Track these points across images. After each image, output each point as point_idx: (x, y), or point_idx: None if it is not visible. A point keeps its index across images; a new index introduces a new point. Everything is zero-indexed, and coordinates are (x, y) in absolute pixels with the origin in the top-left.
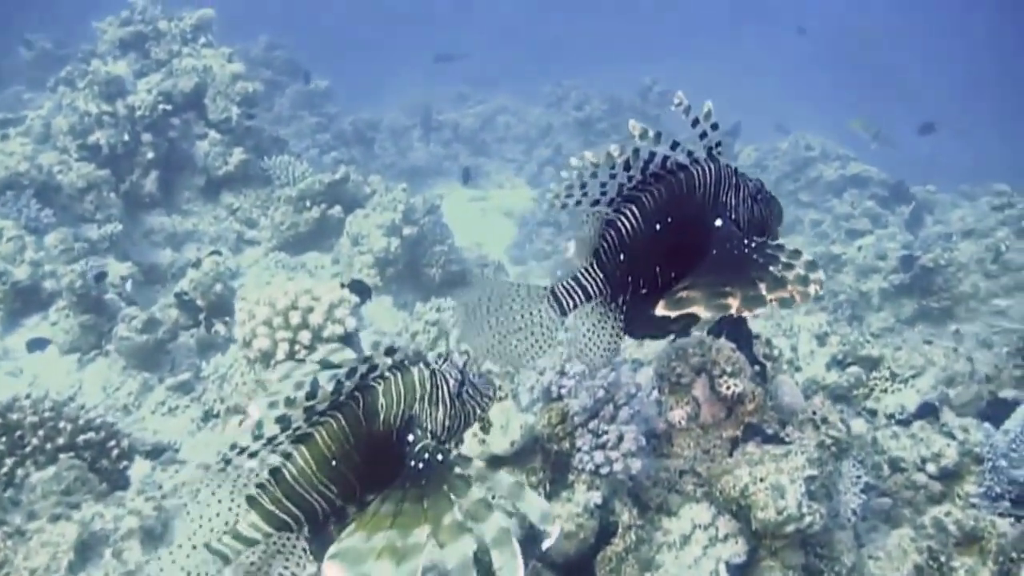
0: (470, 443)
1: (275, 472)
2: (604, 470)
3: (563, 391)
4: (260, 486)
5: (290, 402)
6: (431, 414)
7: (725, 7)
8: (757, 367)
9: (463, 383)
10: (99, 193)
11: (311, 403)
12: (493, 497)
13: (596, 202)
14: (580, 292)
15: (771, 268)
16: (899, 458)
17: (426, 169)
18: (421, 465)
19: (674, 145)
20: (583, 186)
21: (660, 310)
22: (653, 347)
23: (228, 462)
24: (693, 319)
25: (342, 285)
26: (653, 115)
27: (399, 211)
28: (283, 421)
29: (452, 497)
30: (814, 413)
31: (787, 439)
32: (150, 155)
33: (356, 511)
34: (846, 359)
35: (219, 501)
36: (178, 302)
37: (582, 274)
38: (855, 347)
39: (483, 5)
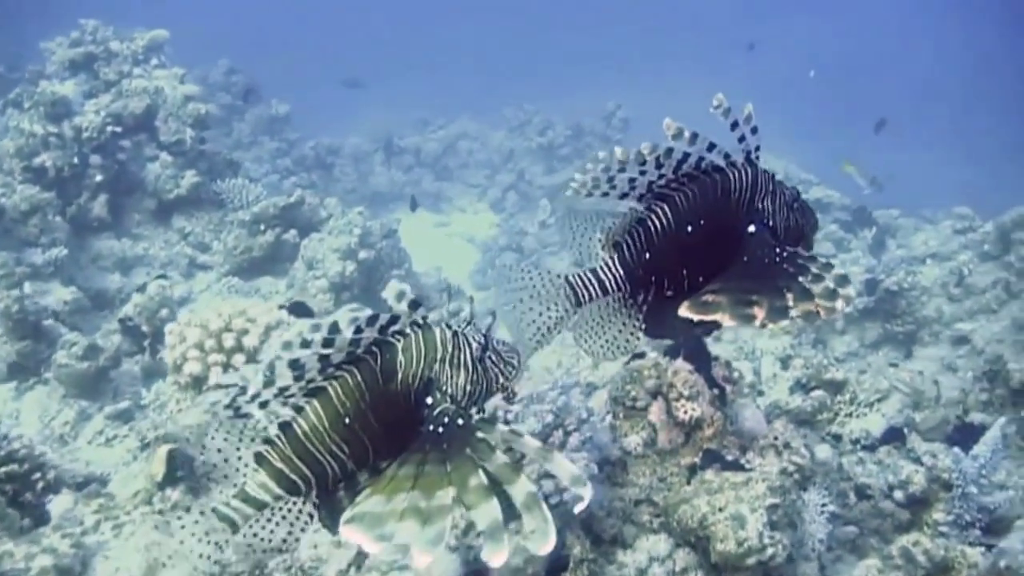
0: None
1: (286, 427)
2: (553, 500)
3: (508, 416)
4: (269, 442)
5: (306, 344)
6: (452, 377)
7: (693, 32)
8: (716, 390)
9: (486, 348)
10: (44, 216)
11: (328, 351)
12: (519, 460)
13: (624, 195)
14: (596, 285)
15: (800, 279)
16: (865, 485)
17: (388, 194)
18: (440, 429)
19: (711, 147)
20: (610, 180)
21: (683, 311)
22: (609, 370)
23: (237, 409)
24: (715, 324)
25: (280, 306)
26: (615, 140)
27: (355, 235)
28: (296, 367)
29: (476, 460)
30: (776, 438)
31: (748, 466)
32: (99, 177)
33: (368, 478)
34: (810, 383)
35: (227, 457)
36: (122, 328)
37: (601, 267)
38: (819, 371)
39: (443, 30)
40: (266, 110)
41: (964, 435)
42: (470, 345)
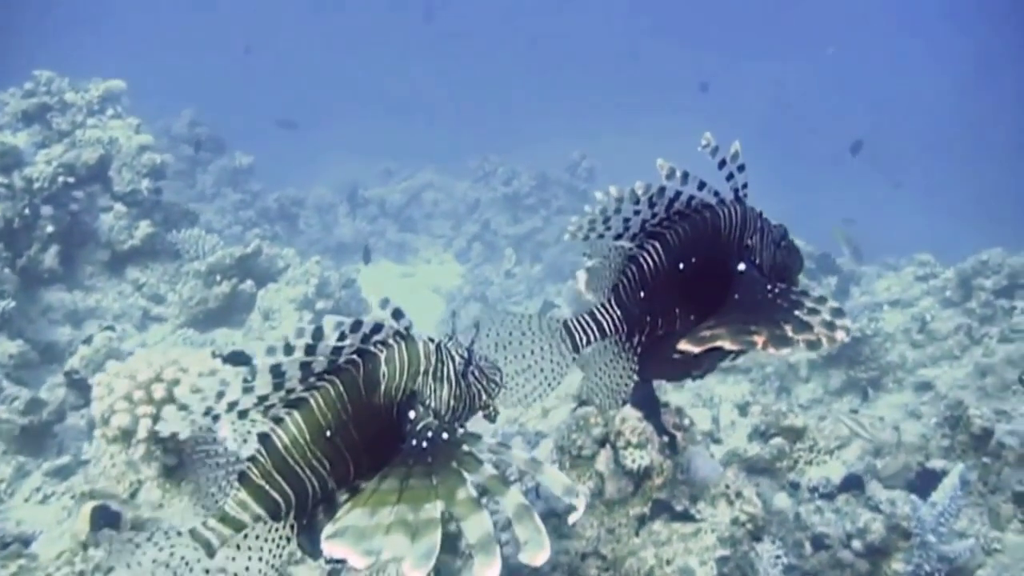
0: None
1: (265, 440)
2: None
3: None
4: (251, 459)
5: (289, 349)
6: (435, 391)
7: (659, 83)
8: (666, 437)
9: (469, 363)
10: None
11: (310, 358)
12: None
13: (618, 236)
14: (595, 328)
15: (797, 313)
16: (823, 534)
17: (352, 245)
18: (424, 443)
19: (701, 185)
20: (606, 220)
21: (683, 346)
22: (557, 417)
23: (216, 418)
24: (712, 362)
25: (215, 355)
26: (581, 190)
27: (312, 284)
28: (277, 374)
29: (464, 473)
30: (727, 487)
31: (698, 516)
32: (50, 228)
33: (346, 497)
34: (769, 430)
35: (209, 475)
36: (67, 381)
37: (599, 310)
38: (778, 417)
39: (407, 83)
40: (229, 162)
41: (926, 482)
42: (453, 359)
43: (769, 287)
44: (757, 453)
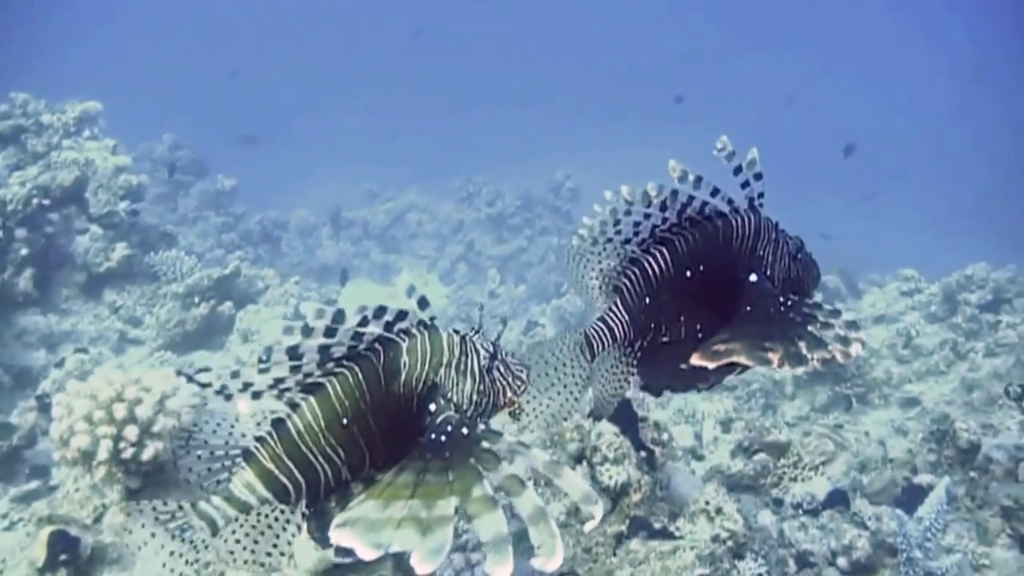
0: None
1: (278, 424)
2: (465, 575)
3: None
4: (260, 439)
5: (308, 331)
6: (457, 384)
7: (638, 99)
8: (644, 453)
9: (495, 357)
10: None
11: (329, 341)
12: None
13: (628, 241)
14: (607, 332)
15: (809, 327)
16: (808, 552)
17: (335, 267)
18: (443, 438)
19: (715, 192)
20: (616, 223)
21: (696, 360)
22: (531, 435)
23: (229, 397)
24: (721, 375)
25: (179, 373)
26: (565, 210)
27: (291, 305)
28: (295, 356)
29: (481, 470)
30: (707, 503)
31: (677, 533)
32: (24, 251)
33: (361, 488)
34: (752, 446)
35: (212, 451)
36: (39, 405)
37: (608, 315)
38: (761, 433)
39: (390, 103)
40: (212, 185)
41: (913, 497)
42: (478, 353)
43: (781, 299)
44: (740, 469)
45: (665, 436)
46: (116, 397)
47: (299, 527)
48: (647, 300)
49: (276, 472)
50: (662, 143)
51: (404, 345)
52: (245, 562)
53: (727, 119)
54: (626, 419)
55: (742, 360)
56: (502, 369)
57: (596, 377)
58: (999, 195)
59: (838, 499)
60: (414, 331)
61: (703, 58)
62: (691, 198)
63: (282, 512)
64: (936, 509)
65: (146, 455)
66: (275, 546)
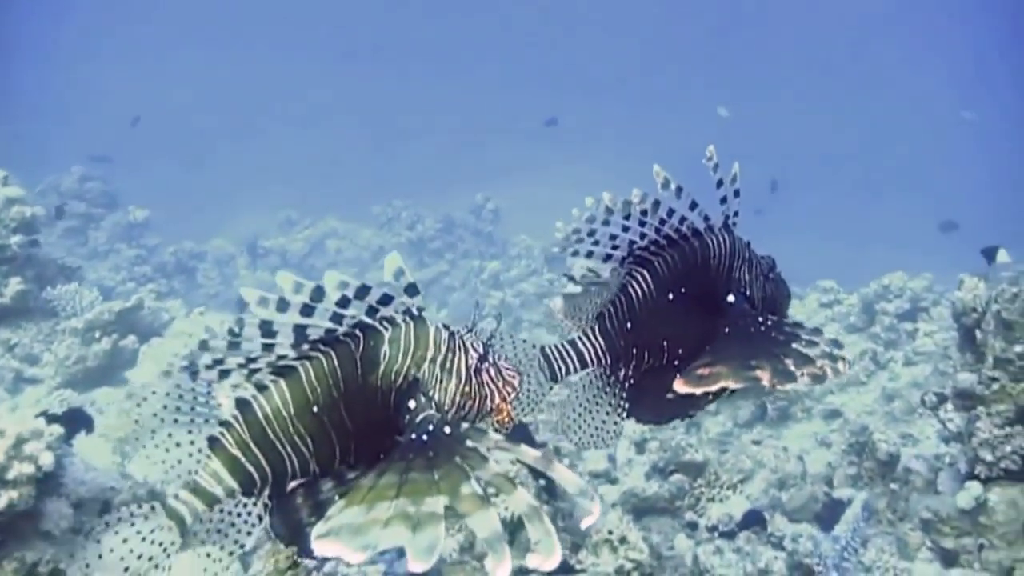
0: None
1: (244, 406)
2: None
3: None
4: (225, 424)
5: (283, 306)
6: (441, 382)
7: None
8: (543, 481)
9: (484, 359)
10: None
11: (306, 321)
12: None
13: (608, 257)
14: (575, 358)
15: (794, 346)
16: None
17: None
18: (425, 437)
19: (693, 205)
20: (591, 232)
21: (680, 387)
22: None
23: (195, 374)
24: (705, 401)
25: (41, 414)
26: (487, 232)
27: (195, 338)
28: (267, 332)
29: (468, 469)
30: (610, 532)
31: (579, 567)
32: None
33: (332, 486)
34: (668, 466)
35: (177, 439)
36: None
37: (581, 339)
38: (677, 452)
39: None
40: (123, 216)
41: (833, 512)
42: (467, 351)
43: (761, 320)
44: (656, 492)
45: (566, 462)
46: None
47: (260, 518)
48: (628, 325)
49: (242, 459)
50: (586, 163)
51: (386, 334)
52: (208, 555)
53: (649, 138)
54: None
55: (730, 383)
56: (492, 372)
57: (579, 410)
58: (911, 204)
59: (754, 520)
60: (399, 320)
61: (563, 124)
62: (671, 212)
63: (243, 505)
64: (853, 527)
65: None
66: (236, 542)
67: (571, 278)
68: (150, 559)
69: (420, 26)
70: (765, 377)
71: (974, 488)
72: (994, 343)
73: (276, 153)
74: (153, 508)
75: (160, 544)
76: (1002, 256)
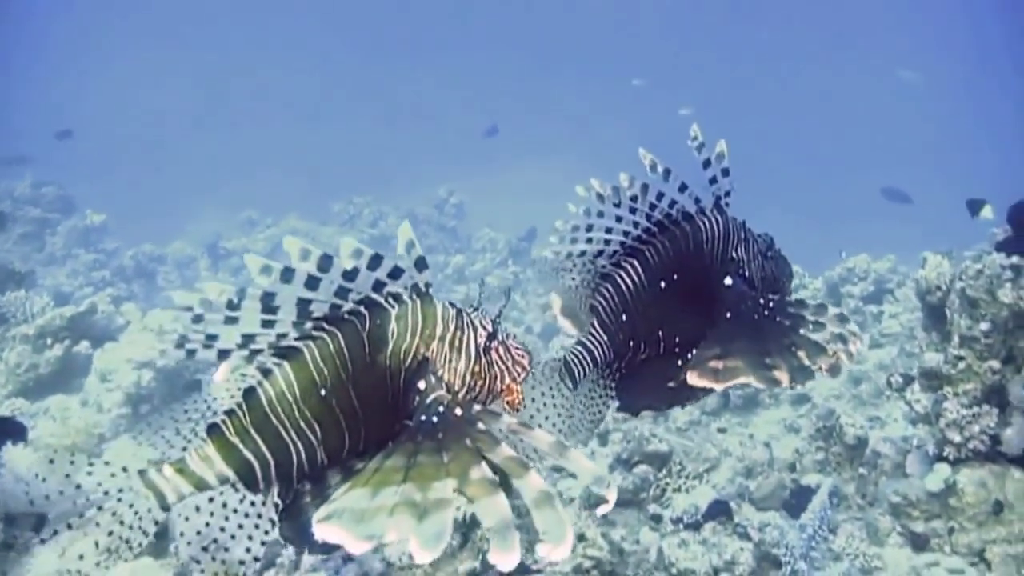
0: None
1: (248, 393)
2: None
3: None
4: (228, 412)
5: (288, 276)
6: (450, 361)
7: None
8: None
9: (493, 337)
10: None
11: (310, 295)
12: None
13: (600, 253)
14: (588, 357)
15: (802, 331)
16: (688, 570)
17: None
18: (435, 419)
19: (683, 188)
20: (589, 228)
21: (695, 380)
22: None
23: (192, 353)
24: (704, 392)
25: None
26: (451, 227)
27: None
28: (268, 308)
29: (479, 451)
30: None
31: (535, 566)
32: None
33: (340, 479)
34: (632, 458)
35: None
36: None
37: (588, 338)
38: (641, 443)
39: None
40: (80, 221)
41: (801, 499)
42: (475, 330)
43: (763, 301)
44: (620, 484)
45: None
46: None
47: (272, 523)
48: (623, 317)
49: (240, 446)
50: (549, 163)
51: (393, 312)
52: (223, 562)
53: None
54: None
55: (751, 381)
56: (501, 351)
57: (578, 407)
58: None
59: (719, 510)
60: (405, 297)
61: (501, 133)
62: (660, 196)
63: (252, 504)
64: (820, 515)
65: None
66: (248, 550)
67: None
68: (122, 523)
69: (380, 19)
70: (784, 378)
71: (943, 470)
72: (959, 321)
73: (235, 153)
74: (125, 470)
75: (135, 511)
76: (987, 212)
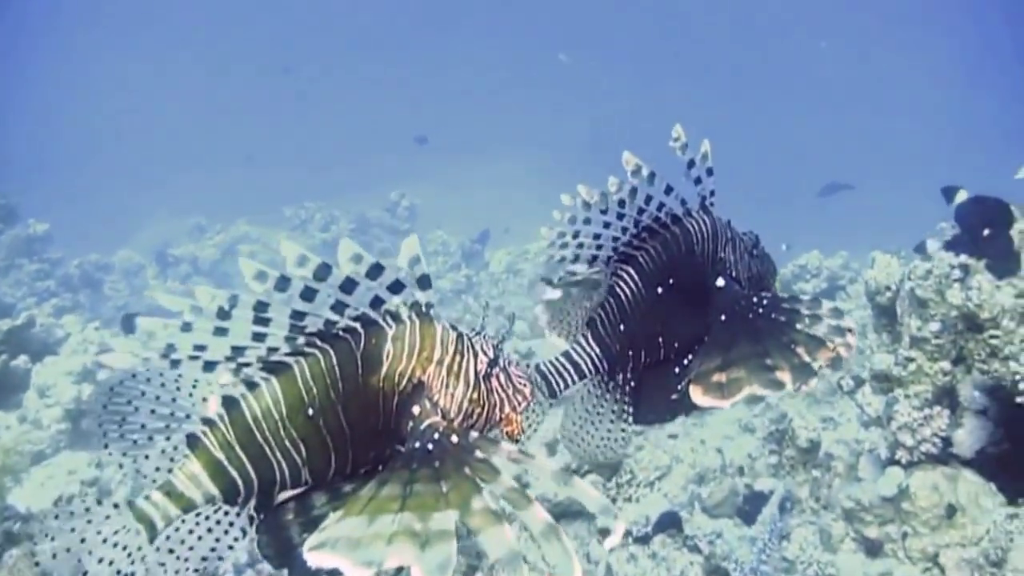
0: None
1: (231, 404)
2: None
3: None
4: (208, 423)
5: (283, 284)
6: (448, 387)
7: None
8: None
9: (495, 364)
10: None
11: (305, 307)
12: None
13: (593, 259)
14: (572, 370)
15: (798, 326)
16: None
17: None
18: (431, 447)
19: (668, 190)
20: (576, 235)
21: (701, 400)
22: None
23: (176, 363)
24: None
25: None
26: (404, 229)
27: (92, 353)
28: (260, 319)
29: (479, 482)
30: None
31: None
32: None
33: (326, 500)
34: (581, 467)
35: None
36: None
37: (575, 349)
38: None
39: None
40: (23, 230)
41: (755, 505)
42: (476, 355)
43: (756, 300)
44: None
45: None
46: None
47: (243, 531)
48: (622, 327)
49: (225, 463)
50: (499, 166)
51: (390, 332)
52: (177, 571)
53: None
54: None
55: (756, 391)
56: (502, 379)
57: (580, 423)
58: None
59: (669, 522)
60: (403, 316)
61: (428, 144)
62: (648, 199)
63: (225, 513)
64: (770, 527)
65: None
66: (213, 550)
67: (549, 281)
68: (111, 564)
69: (326, 22)
70: (787, 380)
71: (896, 474)
72: (909, 322)
73: (181, 159)
74: (117, 507)
75: (125, 550)
76: (961, 196)
